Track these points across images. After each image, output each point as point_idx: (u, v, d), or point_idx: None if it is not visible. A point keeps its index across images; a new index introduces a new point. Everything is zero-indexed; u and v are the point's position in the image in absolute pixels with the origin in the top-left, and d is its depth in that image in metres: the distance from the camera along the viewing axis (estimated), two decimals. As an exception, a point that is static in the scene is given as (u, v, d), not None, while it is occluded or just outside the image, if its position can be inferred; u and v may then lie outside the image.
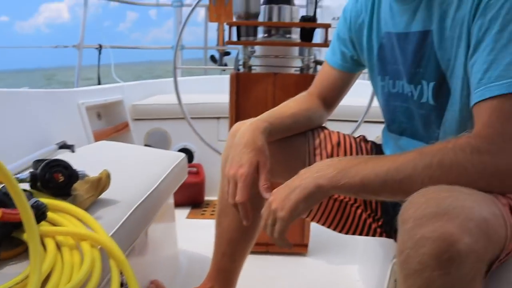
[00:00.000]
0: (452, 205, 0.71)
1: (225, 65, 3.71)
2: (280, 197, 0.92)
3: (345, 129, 2.49)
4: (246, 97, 1.94)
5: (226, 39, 3.73)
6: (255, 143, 1.06)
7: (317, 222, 1.28)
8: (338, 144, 1.26)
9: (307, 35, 1.92)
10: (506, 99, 0.81)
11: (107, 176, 1.17)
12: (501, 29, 0.83)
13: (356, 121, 2.46)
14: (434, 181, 0.80)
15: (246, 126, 1.10)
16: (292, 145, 1.23)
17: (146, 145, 2.94)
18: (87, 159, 1.67)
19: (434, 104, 1.02)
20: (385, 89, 1.17)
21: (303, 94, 1.31)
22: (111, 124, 2.86)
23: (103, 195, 1.18)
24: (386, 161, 0.88)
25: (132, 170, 1.53)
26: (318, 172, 0.91)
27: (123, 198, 1.22)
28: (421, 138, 1.10)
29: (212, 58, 3.86)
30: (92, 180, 1.14)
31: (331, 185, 0.88)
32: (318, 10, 2.80)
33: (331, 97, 1.30)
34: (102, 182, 1.16)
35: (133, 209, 1.18)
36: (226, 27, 3.83)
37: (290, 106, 1.22)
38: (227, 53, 3.77)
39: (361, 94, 2.33)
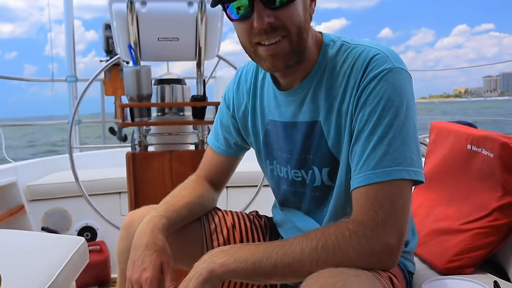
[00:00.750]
0: None
1: (125, 136, 3.70)
2: None
3: (247, 193, 2.61)
4: (143, 176, 1.97)
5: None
6: (156, 244, 1.06)
7: None
8: (233, 226, 1.30)
9: (199, 113, 2.01)
10: (380, 187, 0.93)
11: (-3, 280, 1.13)
12: (377, 123, 0.95)
13: (256, 185, 2.56)
14: (320, 264, 0.89)
15: (144, 225, 1.09)
16: (188, 233, 1.24)
17: (43, 228, 2.81)
18: (-25, 255, 1.58)
19: (327, 186, 1.11)
20: (274, 172, 1.24)
21: (192, 178, 1.33)
22: (4, 209, 2.71)
23: (-6, 300, 1.13)
24: (276, 245, 0.94)
25: (26, 263, 1.47)
26: (210, 258, 0.95)
27: None
28: (313, 215, 1.18)
29: (111, 130, 3.83)
30: (-21, 287, 1.09)
31: (224, 269, 0.92)
32: (212, 81, 2.93)
33: (219, 179, 1.34)
34: (-9, 287, 1.12)
35: None
36: (123, 98, 3.87)
37: (183, 195, 1.23)
38: (126, 125, 3.76)
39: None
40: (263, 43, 1.00)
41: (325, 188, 1.12)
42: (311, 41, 1.06)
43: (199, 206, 1.26)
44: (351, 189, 0.99)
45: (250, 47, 1.03)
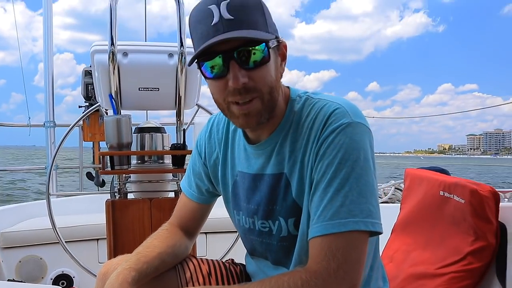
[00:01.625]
0: None
1: (102, 181, 3.68)
2: None
3: (226, 239, 2.61)
4: (123, 223, 1.96)
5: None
6: None
7: None
8: (209, 274, 1.31)
9: (178, 161, 2.03)
10: (334, 238, 0.96)
11: None
12: (334, 176, 0.99)
13: (235, 231, 2.55)
14: None
15: (113, 278, 1.08)
16: (163, 282, 1.24)
17: (9, 280, 2.73)
18: None
19: (294, 236, 1.13)
20: (241, 223, 1.26)
21: (165, 227, 1.33)
22: (-24, 257, 2.65)
23: None
24: None
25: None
26: None
27: None
28: (283, 263, 1.20)
29: (89, 175, 3.80)
30: None
31: None
32: (190, 126, 2.97)
33: (192, 227, 1.36)
34: None
35: None
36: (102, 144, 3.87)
37: (155, 246, 1.23)
38: (104, 170, 3.74)
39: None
40: (236, 102, 1.04)
41: (292, 238, 1.14)
42: (280, 98, 1.11)
43: (171, 256, 1.25)
44: (308, 238, 1.02)
45: (224, 104, 1.07)
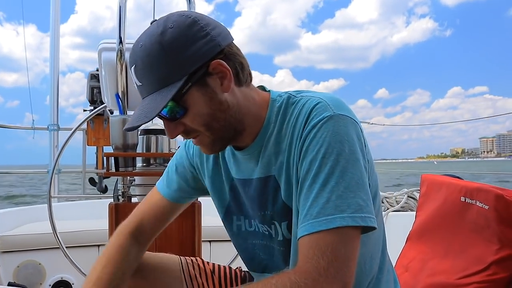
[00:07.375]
0: None
1: (105, 187, 3.60)
2: None
3: (232, 248, 2.53)
4: (127, 227, 1.89)
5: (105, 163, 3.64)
6: None
7: None
8: (213, 272, 1.31)
9: (185, 164, 1.97)
10: (322, 235, 0.90)
11: None
12: (318, 171, 0.94)
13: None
14: None
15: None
16: (165, 276, 1.25)
17: (10, 284, 2.65)
18: None
19: (288, 240, 1.08)
20: (242, 228, 1.20)
21: (115, 241, 1.24)
22: (-26, 261, 2.59)
23: None
24: None
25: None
26: None
27: None
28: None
29: (91, 180, 3.73)
30: None
31: None
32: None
33: (154, 229, 1.28)
34: None
35: None
36: (105, 149, 3.80)
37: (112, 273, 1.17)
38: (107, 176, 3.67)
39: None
40: None
41: (287, 242, 1.09)
42: (252, 106, 1.06)
43: (128, 274, 1.21)
44: (297, 239, 0.96)
45: None
